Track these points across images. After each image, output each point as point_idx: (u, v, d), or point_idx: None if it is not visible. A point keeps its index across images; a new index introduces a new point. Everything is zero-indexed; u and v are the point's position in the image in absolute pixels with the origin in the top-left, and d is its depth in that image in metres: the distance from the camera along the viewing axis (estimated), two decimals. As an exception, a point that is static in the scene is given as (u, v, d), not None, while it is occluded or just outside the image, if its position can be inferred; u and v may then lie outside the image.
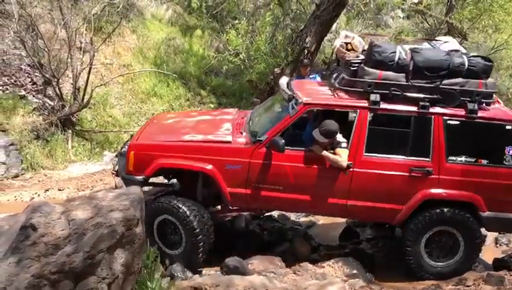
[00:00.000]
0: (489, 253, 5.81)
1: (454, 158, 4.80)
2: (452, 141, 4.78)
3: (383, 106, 4.77)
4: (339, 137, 4.79)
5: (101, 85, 9.66)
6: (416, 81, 4.74)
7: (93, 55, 9.22)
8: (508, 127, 4.78)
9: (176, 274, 4.62)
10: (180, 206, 4.82)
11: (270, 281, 4.17)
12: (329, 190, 4.84)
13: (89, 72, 9.03)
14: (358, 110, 4.81)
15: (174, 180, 5.53)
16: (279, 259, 5.09)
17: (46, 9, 10.08)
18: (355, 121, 4.82)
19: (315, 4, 10.16)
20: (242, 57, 10.89)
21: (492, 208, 4.82)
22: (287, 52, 9.97)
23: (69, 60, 8.96)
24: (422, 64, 4.71)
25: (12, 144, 7.64)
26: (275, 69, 10.00)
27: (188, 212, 4.80)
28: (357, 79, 4.85)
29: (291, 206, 5.16)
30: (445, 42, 5.23)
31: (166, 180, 5.57)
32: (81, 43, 9.53)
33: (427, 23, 14.09)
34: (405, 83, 4.75)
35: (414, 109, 4.77)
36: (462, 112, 4.77)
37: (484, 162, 4.80)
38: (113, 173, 5.84)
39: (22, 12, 8.99)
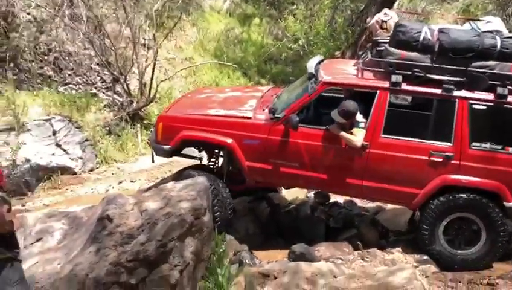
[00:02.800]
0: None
1: (478, 144, 4.57)
2: (477, 126, 4.56)
3: (405, 87, 4.63)
4: (359, 117, 4.74)
5: (166, 80, 9.95)
6: (442, 63, 4.55)
7: (157, 51, 9.50)
8: None
9: (244, 261, 4.71)
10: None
11: (338, 268, 4.15)
12: (345, 170, 4.82)
13: (154, 68, 9.33)
14: (378, 91, 4.71)
15: (202, 153, 5.70)
16: (346, 245, 5.04)
17: (111, 10, 10.51)
18: (375, 102, 4.72)
19: (375, -18, 9.83)
20: (301, 43, 10.79)
21: None
22: (347, 35, 9.75)
23: (134, 57, 9.30)
24: (448, 45, 4.50)
25: (87, 140, 8.08)
26: (336, 53, 9.84)
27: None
28: (380, 59, 4.75)
29: (307, 183, 5.14)
30: (488, 22, 4.88)
31: (198, 154, 5.74)
32: (145, 39, 9.86)
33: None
34: (429, 64, 4.57)
35: (437, 91, 4.59)
36: (490, 96, 4.52)
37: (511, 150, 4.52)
38: (147, 142, 6.05)
39: (89, 14, 9.44)
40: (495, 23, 4.93)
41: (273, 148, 4.89)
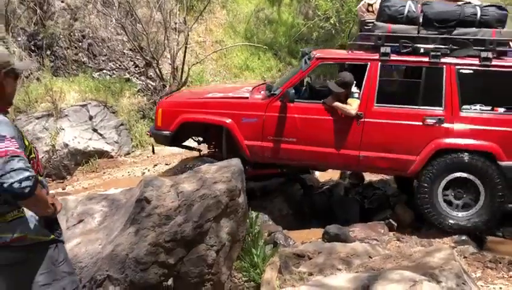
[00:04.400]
0: None
1: (468, 107, 4.77)
2: (466, 90, 4.74)
3: (394, 57, 4.89)
4: (354, 89, 4.96)
5: (197, 63, 10.01)
6: (427, 33, 4.83)
7: (188, 35, 9.55)
8: None
9: (278, 242, 4.75)
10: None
11: (373, 248, 4.13)
12: (341, 142, 4.94)
13: (185, 52, 9.40)
14: (369, 63, 4.94)
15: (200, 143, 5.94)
16: (381, 226, 5.00)
17: (142, -6, 10.60)
18: (366, 73, 4.93)
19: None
20: (332, 21, 10.60)
21: None
22: (380, 12, 9.48)
23: (165, 41, 9.39)
24: (432, 15, 4.78)
25: (122, 124, 8.27)
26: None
27: None
28: (369, 33, 5.04)
29: (305, 158, 5.15)
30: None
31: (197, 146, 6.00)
32: (176, 23, 9.91)
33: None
34: (415, 35, 4.84)
35: (425, 60, 4.81)
36: (475, 60, 4.73)
37: (501, 110, 4.71)
38: (147, 134, 6.42)
39: (121, 0, 9.57)
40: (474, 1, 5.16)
41: (270, 125, 5.04)
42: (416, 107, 4.83)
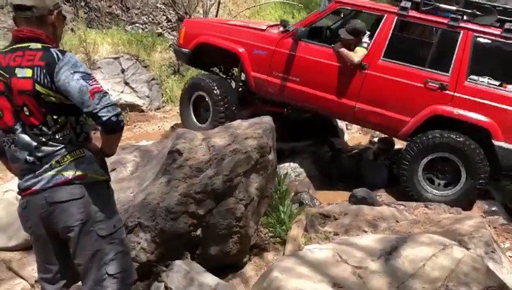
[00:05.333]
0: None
1: (476, 78, 4.51)
2: (478, 60, 4.49)
3: (412, 13, 4.70)
4: (365, 39, 4.88)
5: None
6: None
7: (221, -10, 9.39)
8: None
9: (304, 202, 4.78)
10: (212, 81, 5.39)
11: (400, 213, 4.11)
12: (341, 90, 4.89)
13: (218, 7, 9.27)
14: (385, 15, 4.82)
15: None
16: (409, 192, 4.96)
17: None
18: (380, 25, 4.83)
19: None
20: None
21: (510, 140, 4.30)
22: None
23: (199, -5, 9.27)
24: None
25: (153, 79, 8.32)
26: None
27: (214, 84, 5.36)
28: None
29: (305, 100, 5.15)
30: None
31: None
32: (210, -22, 9.74)
33: None
34: None
35: (444, 21, 4.60)
36: (497, 31, 4.43)
37: (510, 87, 4.41)
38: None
39: (155, -49, 9.43)
40: None
41: (278, 61, 5.08)
42: (422, 68, 4.68)
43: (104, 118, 2.01)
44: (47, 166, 2.10)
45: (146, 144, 4.19)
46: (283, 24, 5.16)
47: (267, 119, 3.58)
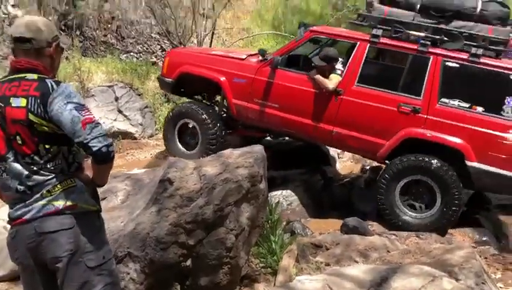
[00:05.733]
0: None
1: (446, 101, 4.66)
2: (447, 83, 4.68)
3: (383, 40, 4.90)
4: (339, 65, 5.04)
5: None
6: (422, 21, 4.77)
7: (215, 21, 9.56)
8: None
9: (296, 231, 4.76)
10: (199, 109, 5.54)
11: (392, 243, 4.11)
12: (318, 115, 5.05)
13: (212, 37, 9.42)
14: (358, 42, 5.00)
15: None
16: (401, 222, 4.96)
17: (172, -21, 10.64)
18: (354, 52, 5.01)
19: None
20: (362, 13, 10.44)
21: (482, 160, 4.42)
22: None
23: (193, 26, 9.42)
24: (429, 3, 4.73)
25: (146, 107, 8.36)
26: (398, 24, 9.44)
27: (203, 112, 5.51)
28: (365, 13, 5.11)
29: (284, 126, 5.30)
30: None
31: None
32: (204, 9, 9.92)
33: None
34: (409, 21, 4.80)
35: (414, 47, 4.77)
36: (464, 55, 4.63)
37: (479, 109, 4.57)
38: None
39: (151, -17, 9.63)
40: None
41: (257, 88, 5.26)
42: (395, 92, 4.83)
43: (94, 149, 2.03)
44: (38, 195, 2.10)
45: (137, 173, 4.20)
46: (261, 53, 5.36)
47: (259, 149, 3.61)
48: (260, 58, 5.34)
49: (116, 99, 8.05)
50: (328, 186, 6.00)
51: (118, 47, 9.42)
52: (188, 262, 3.10)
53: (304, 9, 12.37)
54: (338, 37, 5.36)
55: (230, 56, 5.63)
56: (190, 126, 5.65)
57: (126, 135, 7.82)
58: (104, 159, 2.10)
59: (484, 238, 4.60)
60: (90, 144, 2.02)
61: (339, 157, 7.14)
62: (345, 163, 7.33)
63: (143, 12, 10.00)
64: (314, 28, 5.38)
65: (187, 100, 6.27)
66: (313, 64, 5.21)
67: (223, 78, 5.39)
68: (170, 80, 5.72)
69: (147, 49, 9.80)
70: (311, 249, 4.02)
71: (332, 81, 4.96)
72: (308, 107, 5.08)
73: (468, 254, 3.23)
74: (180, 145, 5.78)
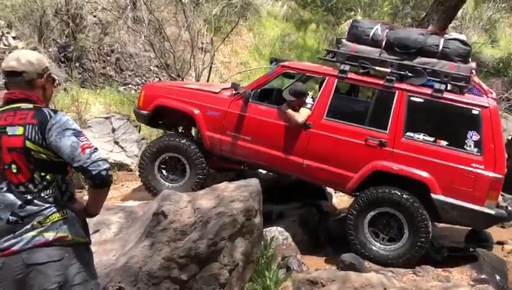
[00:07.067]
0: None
1: (412, 134, 4.79)
2: (413, 117, 4.82)
3: (351, 76, 5.07)
4: (309, 100, 5.19)
5: (221, 83, 10.12)
6: (387, 57, 4.92)
7: (214, 55, 9.69)
8: (474, 112, 4.66)
9: (291, 267, 4.68)
10: (186, 142, 5.56)
11: (388, 280, 4.04)
12: (289, 147, 5.15)
13: (210, 71, 9.52)
14: (326, 77, 5.15)
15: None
16: (397, 258, 4.89)
17: (172, 13, 10.84)
18: (323, 87, 5.17)
19: (438, -11, 9.53)
20: (358, 50, 10.64)
21: (447, 193, 4.54)
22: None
23: (192, 60, 9.53)
24: (394, 40, 4.90)
25: (143, 138, 8.33)
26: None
27: (190, 145, 5.55)
28: (333, 50, 5.35)
29: (257, 158, 5.39)
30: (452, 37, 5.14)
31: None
32: (203, 43, 10.08)
33: None
34: (375, 57, 4.95)
35: (380, 82, 4.92)
36: (427, 90, 4.77)
37: (443, 143, 4.71)
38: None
39: (151, 17, 9.80)
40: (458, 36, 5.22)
41: (230, 121, 5.36)
42: (362, 126, 4.95)
43: (94, 172, 2.06)
44: (28, 226, 2.10)
45: (131, 205, 4.15)
46: (234, 87, 5.48)
47: (254, 182, 3.59)
48: (233, 91, 5.45)
49: (113, 130, 8.04)
50: (324, 221, 5.94)
51: (116, 79, 9.49)
52: (181, 298, 3.03)
53: (301, 44, 12.62)
54: (307, 72, 5.50)
55: (205, 89, 5.76)
56: (169, 160, 5.71)
57: (122, 166, 7.77)
58: (103, 183, 2.12)
59: (482, 276, 4.53)
60: (90, 168, 2.06)
61: (335, 192, 7.10)
62: (342, 197, 7.27)
63: (142, 45, 10.14)
64: (286, 63, 5.53)
65: (160, 134, 6.38)
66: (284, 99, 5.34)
67: (197, 111, 5.48)
68: (146, 112, 5.79)
69: (145, 81, 9.87)
70: (306, 285, 3.95)
71: (301, 115, 5.07)
72: (279, 140, 5.18)
73: (466, 293, 3.17)
74: (161, 180, 5.77)
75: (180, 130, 6.23)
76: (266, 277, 3.69)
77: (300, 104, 5.16)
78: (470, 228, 5.69)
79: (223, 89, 5.72)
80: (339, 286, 3.85)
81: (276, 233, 5.20)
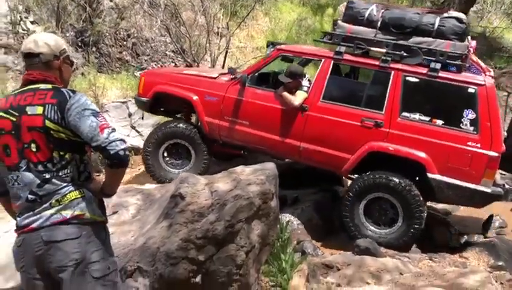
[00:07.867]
0: None
1: (407, 114, 4.78)
2: (408, 97, 4.80)
3: (347, 57, 5.04)
4: (305, 82, 5.16)
5: (236, 68, 10.08)
6: (383, 37, 4.89)
7: (229, 40, 9.66)
8: (469, 90, 4.61)
9: (306, 251, 4.71)
10: (185, 126, 5.63)
11: (404, 265, 4.04)
12: (286, 131, 5.17)
13: (225, 56, 9.50)
14: (322, 59, 5.16)
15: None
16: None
17: (188, -2, 10.81)
18: (319, 69, 5.17)
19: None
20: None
21: (443, 173, 4.52)
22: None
23: (207, 44, 9.52)
24: (389, 20, 4.87)
25: (159, 123, 8.41)
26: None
27: (195, 131, 5.60)
28: (329, 32, 5.35)
29: (254, 142, 5.42)
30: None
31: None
32: (218, 28, 10.04)
33: None
34: (371, 38, 4.93)
35: (376, 63, 4.91)
36: (423, 70, 4.74)
37: (439, 122, 4.70)
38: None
39: (167, 1, 9.78)
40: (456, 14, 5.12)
41: (228, 106, 5.38)
42: (358, 107, 4.95)
43: (112, 152, 2.09)
44: (47, 205, 2.14)
45: (149, 187, 4.19)
46: (231, 71, 5.50)
47: (271, 166, 3.59)
48: (231, 76, 5.45)
49: (130, 115, 8.11)
50: (340, 206, 5.93)
51: (132, 64, 9.53)
52: (198, 278, 3.06)
53: (318, 29, 12.48)
54: (303, 55, 5.55)
55: (203, 75, 5.75)
56: (174, 146, 5.76)
57: (138, 150, 7.83)
58: (121, 162, 2.15)
59: (500, 263, 4.50)
60: (108, 147, 2.09)
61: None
62: (357, 183, 7.25)
63: (158, 30, 10.14)
64: (282, 46, 5.52)
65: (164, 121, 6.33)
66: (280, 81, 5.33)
67: (195, 97, 5.49)
68: (146, 99, 5.80)
69: (161, 66, 9.90)
70: (322, 269, 3.96)
71: (298, 98, 5.08)
72: (276, 123, 5.20)
73: (483, 279, 3.17)
74: (166, 166, 5.81)
75: (179, 116, 6.22)
76: (282, 260, 3.71)
77: (297, 86, 5.15)
78: (487, 216, 5.64)
79: (220, 74, 5.73)
80: (355, 270, 3.85)
81: (292, 217, 5.24)
